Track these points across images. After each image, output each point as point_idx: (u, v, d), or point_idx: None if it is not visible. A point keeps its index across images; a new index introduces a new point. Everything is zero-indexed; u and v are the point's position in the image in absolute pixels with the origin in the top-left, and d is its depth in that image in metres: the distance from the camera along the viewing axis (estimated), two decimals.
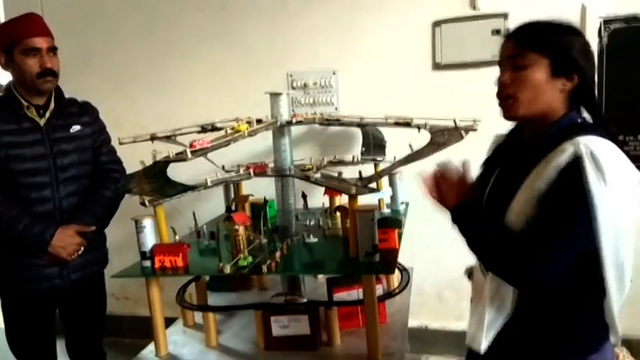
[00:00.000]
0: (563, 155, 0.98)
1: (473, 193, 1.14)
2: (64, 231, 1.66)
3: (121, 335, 2.99)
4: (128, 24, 2.85)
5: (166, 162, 1.40)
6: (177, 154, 1.35)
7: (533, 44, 1.06)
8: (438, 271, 2.56)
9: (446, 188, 1.13)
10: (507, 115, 1.13)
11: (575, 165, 0.95)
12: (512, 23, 2.26)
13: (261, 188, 2.18)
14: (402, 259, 1.69)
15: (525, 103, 1.08)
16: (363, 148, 2.26)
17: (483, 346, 1.13)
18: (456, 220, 1.12)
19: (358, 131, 2.48)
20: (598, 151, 0.95)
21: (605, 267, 0.98)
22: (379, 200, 2.14)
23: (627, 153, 2.28)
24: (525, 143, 1.16)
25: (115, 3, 2.86)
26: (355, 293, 1.71)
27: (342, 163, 2.07)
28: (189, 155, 1.30)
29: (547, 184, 0.99)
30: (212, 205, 2.41)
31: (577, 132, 1.02)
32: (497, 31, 2.36)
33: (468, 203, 1.11)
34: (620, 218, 0.97)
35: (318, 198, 2.30)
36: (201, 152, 1.33)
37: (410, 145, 1.65)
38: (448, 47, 2.44)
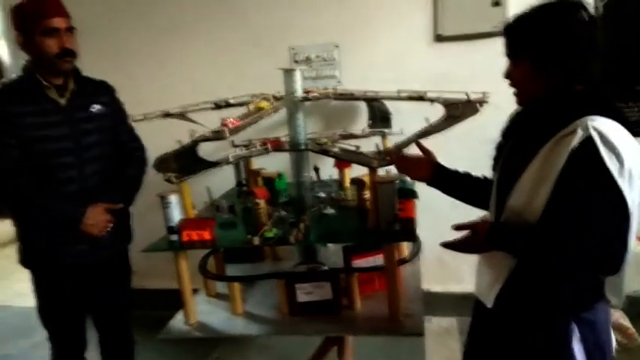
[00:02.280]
0: (574, 138, 1.04)
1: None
2: (93, 209, 1.70)
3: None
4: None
5: (203, 141, 1.44)
6: (214, 132, 1.40)
7: (514, 48, 1.18)
8: (439, 238, 2.67)
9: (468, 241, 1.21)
10: (517, 103, 1.24)
11: (587, 147, 1.02)
12: None
13: (268, 161, 2.23)
14: None
15: (524, 94, 1.20)
16: (370, 121, 2.34)
17: (491, 302, 1.26)
18: (496, 242, 1.18)
19: (361, 104, 2.54)
20: (606, 130, 1.03)
21: (632, 237, 1.05)
22: (386, 172, 2.22)
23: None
24: (535, 118, 1.24)
25: None
26: (372, 260, 1.81)
27: (352, 136, 2.13)
28: (228, 134, 1.35)
29: (561, 167, 1.05)
30: (220, 179, 2.45)
31: (576, 109, 1.09)
32: (496, 3, 2.42)
33: (494, 228, 1.19)
34: None
35: (326, 170, 2.37)
36: (238, 131, 1.38)
37: (426, 119, 1.72)
38: (450, 19, 2.48)
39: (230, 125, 1.37)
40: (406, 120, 2.20)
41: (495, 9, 2.41)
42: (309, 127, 2.31)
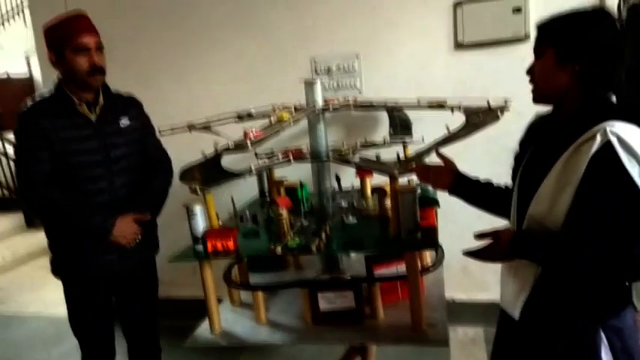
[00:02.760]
0: (593, 144, 1.04)
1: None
2: (122, 220, 1.75)
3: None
4: (150, 14, 2.90)
5: (225, 152, 1.48)
6: (236, 144, 1.44)
7: (542, 36, 1.19)
8: (463, 246, 2.65)
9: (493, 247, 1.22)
10: (533, 99, 1.25)
11: (607, 152, 1.02)
12: (533, 2, 2.33)
13: (290, 171, 2.26)
14: None
15: (540, 88, 1.21)
16: (391, 130, 2.35)
17: (517, 312, 1.25)
18: (518, 250, 1.18)
19: (381, 113, 2.55)
20: (625, 134, 1.02)
21: None
22: (408, 180, 2.22)
23: None
24: (554, 126, 1.24)
25: None
26: (394, 269, 1.81)
27: (373, 145, 2.14)
28: (250, 145, 1.39)
29: (581, 173, 1.05)
30: (243, 190, 2.48)
31: (599, 116, 1.08)
32: (517, 9, 2.41)
33: (516, 237, 1.19)
34: None
35: (348, 179, 2.38)
36: (259, 142, 1.41)
37: (447, 127, 1.72)
38: (470, 26, 2.48)
39: (252, 136, 1.40)
40: (427, 128, 2.20)
41: (516, 15, 2.40)
42: (330, 137, 2.33)
